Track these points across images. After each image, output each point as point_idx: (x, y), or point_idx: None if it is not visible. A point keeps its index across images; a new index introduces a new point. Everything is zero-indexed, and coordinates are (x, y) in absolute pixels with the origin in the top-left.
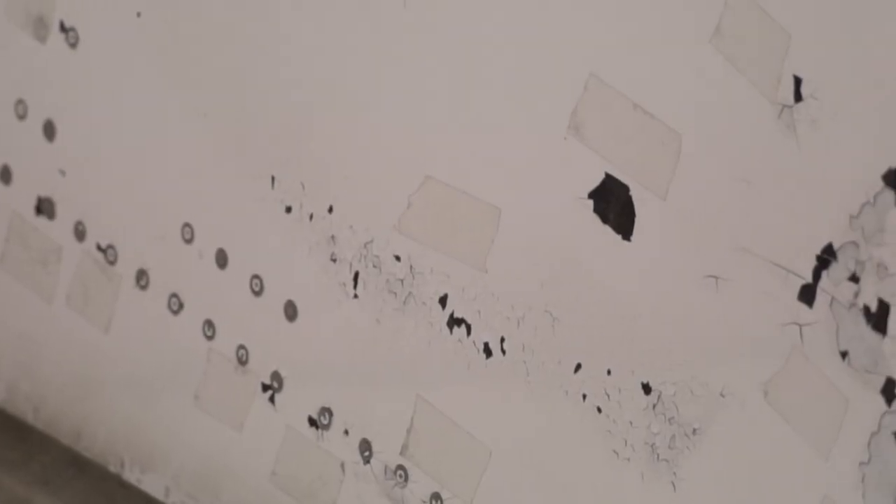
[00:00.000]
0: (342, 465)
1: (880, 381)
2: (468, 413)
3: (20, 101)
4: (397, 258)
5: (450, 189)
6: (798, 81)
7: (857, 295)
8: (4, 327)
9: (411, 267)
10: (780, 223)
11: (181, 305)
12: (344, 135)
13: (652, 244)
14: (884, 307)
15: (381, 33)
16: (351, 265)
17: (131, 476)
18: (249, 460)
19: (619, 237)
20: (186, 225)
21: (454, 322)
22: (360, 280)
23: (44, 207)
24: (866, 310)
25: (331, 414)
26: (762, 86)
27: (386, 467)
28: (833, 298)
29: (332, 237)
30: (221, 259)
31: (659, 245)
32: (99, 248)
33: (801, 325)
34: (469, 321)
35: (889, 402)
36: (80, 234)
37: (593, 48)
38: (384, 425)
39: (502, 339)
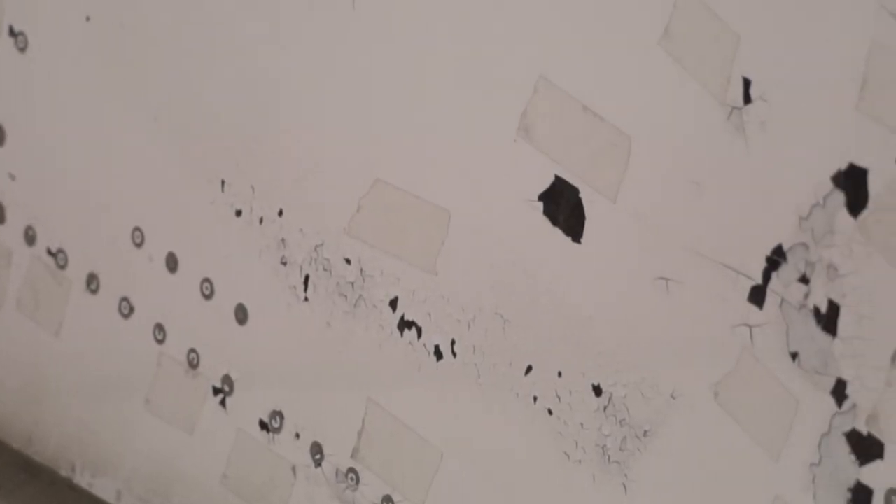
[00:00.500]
0: (293, 469)
1: (830, 382)
2: (419, 415)
3: None
4: (347, 261)
5: (399, 192)
6: (747, 83)
7: (807, 296)
8: None
9: (361, 270)
10: (729, 225)
11: (132, 309)
12: (293, 138)
13: (602, 246)
14: (834, 308)
15: (330, 35)
16: (301, 268)
17: (83, 480)
18: (201, 464)
19: (569, 239)
20: (137, 229)
21: (405, 325)
22: (310, 283)
23: None
24: (816, 311)
25: (282, 417)
26: (711, 88)
27: (337, 470)
28: (783, 300)
29: (283, 240)
30: (172, 263)
31: (609, 247)
32: (49, 252)
33: (751, 327)
34: (420, 324)
35: (839, 403)
36: (30, 238)
37: (543, 50)
38: (335, 428)
39: (453, 342)
